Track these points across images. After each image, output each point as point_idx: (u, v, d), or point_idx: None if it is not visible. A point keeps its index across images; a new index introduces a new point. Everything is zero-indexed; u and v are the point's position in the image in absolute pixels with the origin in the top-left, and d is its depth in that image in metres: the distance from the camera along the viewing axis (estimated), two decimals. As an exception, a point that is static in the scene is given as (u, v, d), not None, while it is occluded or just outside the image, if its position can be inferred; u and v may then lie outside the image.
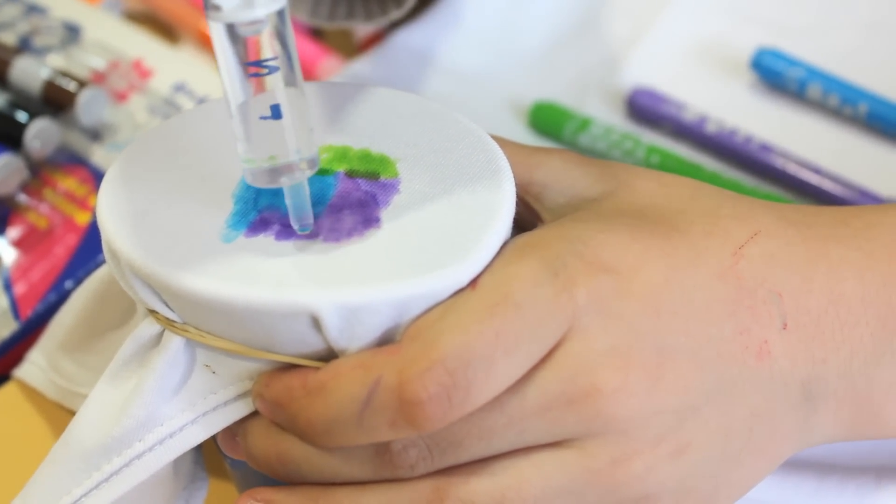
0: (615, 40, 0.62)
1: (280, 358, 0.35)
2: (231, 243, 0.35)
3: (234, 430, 0.37)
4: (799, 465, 0.42)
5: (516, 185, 0.37)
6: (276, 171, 0.34)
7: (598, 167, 0.40)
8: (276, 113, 0.34)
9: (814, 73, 0.57)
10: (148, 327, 0.36)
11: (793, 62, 0.58)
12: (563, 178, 0.39)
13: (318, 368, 0.34)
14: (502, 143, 0.39)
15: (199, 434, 0.36)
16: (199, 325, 0.35)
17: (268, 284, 0.33)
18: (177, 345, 0.35)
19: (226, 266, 0.34)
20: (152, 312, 0.36)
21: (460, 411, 0.32)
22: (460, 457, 0.34)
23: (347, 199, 0.36)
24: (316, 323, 0.33)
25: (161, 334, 0.36)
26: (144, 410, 0.35)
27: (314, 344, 0.34)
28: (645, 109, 0.58)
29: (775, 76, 0.58)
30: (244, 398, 0.36)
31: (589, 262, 0.34)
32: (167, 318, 0.35)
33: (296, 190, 0.35)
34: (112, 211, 0.36)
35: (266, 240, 0.35)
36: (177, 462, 0.38)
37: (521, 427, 0.34)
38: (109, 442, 0.35)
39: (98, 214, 0.36)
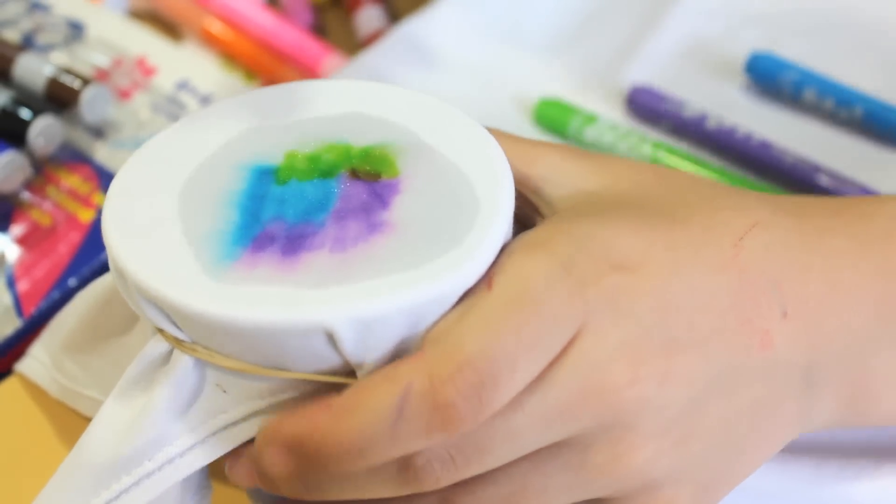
0: (613, 42, 0.62)
1: (293, 375, 0.34)
2: (238, 261, 0.34)
3: (241, 453, 0.36)
4: (797, 451, 0.42)
5: (514, 178, 0.37)
6: None
7: (596, 160, 0.40)
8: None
9: (809, 77, 0.57)
10: (156, 345, 0.36)
11: (787, 66, 0.57)
12: (561, 171, 0.39)
13: (336, 395, 0.33)
14: (500, 136, 0.39)
15: (208, 453, 0.36)
16: (208, 345, 0.34)
17: (279, 304, 0.33)
18: (186, 364, 0.35)
19: (234, 286, 0.33)
20: (160, 331, 0.35)
21: (489, 410, 0.32)
22: (485, 463, 0.34)
23: (350, 204, 0.36)
24: (331, 339, 0.33)
25: (170, 353, 0.36)
26: (154, 429, 0.35)
27: (330, 359, 0.34)
28: (644, 107, 0.58)
29: (770, 80, 0.58)
30: (255, 417, 0.36)
31: (597, 259, 0.35)
32: (175, 338, 0.35)
33: None
34: (117, 228, 0.35)
35: (272, 256, 0.35)
36: (185, 480, 0.37)
37: (544, 425, 0.34)
38: (119, 460, 0.35)
39: (103, 232, 0.36)
